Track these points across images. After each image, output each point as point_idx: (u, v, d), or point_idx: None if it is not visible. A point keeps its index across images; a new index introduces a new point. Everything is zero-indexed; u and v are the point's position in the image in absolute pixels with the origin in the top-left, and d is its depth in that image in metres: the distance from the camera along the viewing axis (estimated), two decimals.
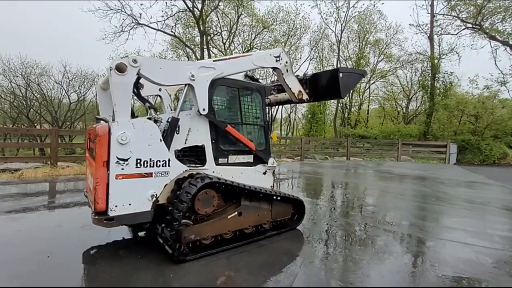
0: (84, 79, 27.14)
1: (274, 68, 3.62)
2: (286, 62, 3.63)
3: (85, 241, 3.13)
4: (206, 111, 2.92)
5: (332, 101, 29.09)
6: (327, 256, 3.04)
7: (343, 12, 25.26)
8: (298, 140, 15.98)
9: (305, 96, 3.93)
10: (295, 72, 3.90)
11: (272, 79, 4.30)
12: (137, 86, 2.64)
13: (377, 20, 26.59)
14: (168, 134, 2.71)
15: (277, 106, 4.59)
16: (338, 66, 27.09)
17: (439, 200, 6.12)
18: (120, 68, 2.39)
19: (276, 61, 3.55)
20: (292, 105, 32.04)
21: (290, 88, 3.79)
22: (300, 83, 3.89)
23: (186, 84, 2.83)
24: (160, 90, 3.85)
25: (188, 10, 19.00)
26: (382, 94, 31.89)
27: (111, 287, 2.26)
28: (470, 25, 21.26)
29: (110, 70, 2.37)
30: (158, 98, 3.96)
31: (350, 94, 28.00)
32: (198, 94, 2.86)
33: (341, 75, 3.69)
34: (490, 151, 18.59)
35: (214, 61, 3.06)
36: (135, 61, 2.44)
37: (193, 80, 2.81)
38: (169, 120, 2.76)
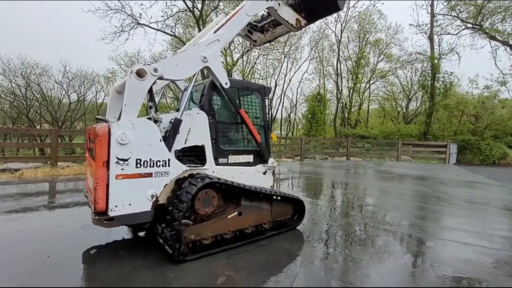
0: (84, 79, 27.22)
1: (268, 9, 3.51)
2: None
3: (85, 241, 3.13)
4: (229, 84, 3.02)
5: (332, 101, 29.12)
6: (327, 256, 3.04)
7: (343, 12, 25.27)
8: (298, 140, 15.97)
9: (303, 22, 3.82)
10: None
11: (263, 15, 4.14)
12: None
13: (377, 20, 26.59)
14: (170, 135, 2.71)
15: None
16: (339, 68, 27.10)
17: (439, 200, 6.12)
18: (140, 74, 2.48)
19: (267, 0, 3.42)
20: (292, 105, 32.08)
21: (287, 21, 3.70)
22: (294, 10, 3.76)
23: (202, 68, 2.88)
24: None
25: (188, 10, 18.98)
26: (382, 94, 31.88)
27: (111, 287, 2.26)
28: (470, 25, 21.25)
29: (130, 73, 2.44)
30: (173, 84, 3.96)
31: (350, 94, 28.01)
32: (216, 71, 2.95)
33: None
34: (490, 151, 18.57)
35: (214, 32, 3.07)
36: (155, 70, 2.53)
37: (207, 61, 2.88)
38: (172, 121, 2.77)
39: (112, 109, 3.32)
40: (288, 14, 3.69)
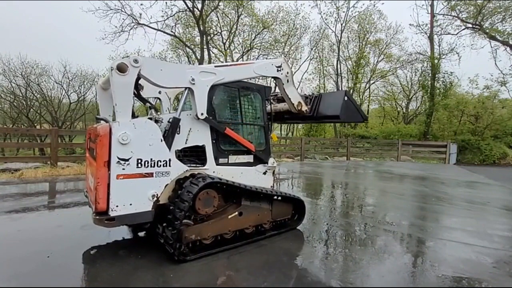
0: (84, 79, 27.15)
1: (275, 78, 3.62)
2: (287, 73, 3.65)
3: (85, 241, 3.13)
4: (204, 116, 2.91)
5: None
6: (327, 256, 3.05)
7: (343, 12, 25.30)
8: (298, 140, 15.97)
9: (304, 108, 3.96)
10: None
11: (272, 89, 4.32)
12: (137, 86, 2.64)
13: (377, 20, 26.62)
14: (169, 134, 2.71)
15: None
16: (339, 68, 27.15)
17: (439, 200, 6.12)
18: (121, 68, 2.38)
19: (278, 71, 3.57)
20: None
21: (289, 99, 3.81)
22: (301, 98, 3.93)
23: (186, 88, 2.84)
24: (159, 92, 3.83)
25: (188, 10, 18.99)
26: (382, 94, 31.92)
27: (111, 287, 2.26)
28: (470, 25, 21.28)
29: (111, 70, 2.36)
30: (157, 100, 3.94)
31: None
32: (197, 99, 2.86)
33: (346, 98, 3.79)
34: (490, 151, 18.59)
35: (215, 66, 3.07)
36: (136, 61, 2.43)
37: (193, 84, 2.81)
38: (170, 120, 2.77)
39: (103, 107, 3.25)
40: (293, 94, 3.84)
